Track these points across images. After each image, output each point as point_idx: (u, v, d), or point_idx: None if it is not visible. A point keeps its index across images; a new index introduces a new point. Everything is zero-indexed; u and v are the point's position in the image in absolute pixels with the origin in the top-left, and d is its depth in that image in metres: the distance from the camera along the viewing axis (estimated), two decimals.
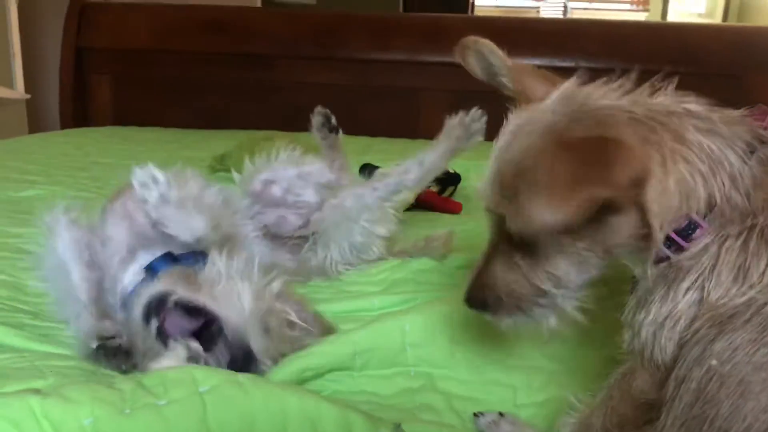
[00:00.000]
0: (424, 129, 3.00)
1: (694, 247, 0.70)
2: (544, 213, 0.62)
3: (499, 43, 3.26)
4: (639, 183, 0.65)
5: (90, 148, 2.49)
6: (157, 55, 3.00)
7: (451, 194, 2.00)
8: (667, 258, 0.71)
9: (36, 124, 4.19)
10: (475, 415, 0.95)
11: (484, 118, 1.50)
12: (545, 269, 0.76)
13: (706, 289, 0.69)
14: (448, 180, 1.96)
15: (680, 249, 0.71)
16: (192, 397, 0.70)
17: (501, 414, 0.94)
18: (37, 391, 0.73)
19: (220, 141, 2.60)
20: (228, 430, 0.69)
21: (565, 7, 6.42)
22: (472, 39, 0.89)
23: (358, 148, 2.60)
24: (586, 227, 0.69)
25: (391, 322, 1.05)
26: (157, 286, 0.99)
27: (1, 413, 0.69)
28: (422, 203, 1.87)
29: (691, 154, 0.69)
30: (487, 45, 0.91)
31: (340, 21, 3.01)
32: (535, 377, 1.03)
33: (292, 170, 1.54)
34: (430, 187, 1.88)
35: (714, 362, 0.66)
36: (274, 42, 2.96)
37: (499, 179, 0.73)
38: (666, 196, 0.68)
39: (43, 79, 4.56)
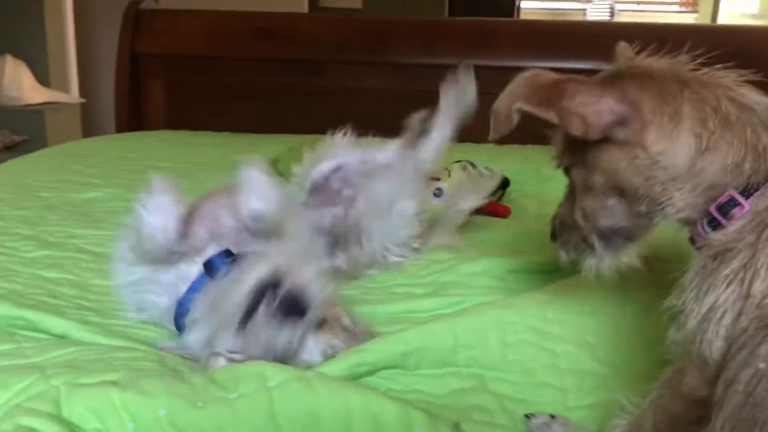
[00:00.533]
0: (471, 132, 3.02)
1: (731, 227, 0.71)
2: (495, 108, 0.79)
3: (546, 47, 3.29)
4: (619, 122, 0.73)
5: (145, 152, 2.56)
6: (209, 60, 3.07)
7: (500, 198, 2.01)
8: (705, 235, 0.73)
9: (89, 128, 4.32)
10: (526, 416, 0.96)
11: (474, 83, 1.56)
12: (578, 203, 0.85)
13: (746, 282, 0.68)
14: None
15: (718, 226, 0.72)
16: (261, 392, 0.74)
17: (552, 416, 0.95)
18: (115, 383, 0.78)
19: (270, 145, 2.64)
20: (294, 424, 0.72)
21: (612, 8, 6.35)
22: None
23: None
24: (592, 158, 0.79)
25: (442, 324, 1.07)
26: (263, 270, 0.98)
27: (85, 403, 0.74)
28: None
29: (717, 114, 0.72)
30: (620, 46, 1.00)
31: (388, 26, 3.04)
32: (585, 380, 1.04)
33: (355, 155, 1.53)
34: None
35: (762, 365, 0.66)
36: (322, 47, 3.01)
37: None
38: (672, 147, 0.73)
39: (95, 83, 4.69)
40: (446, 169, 1.95)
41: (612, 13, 6.31)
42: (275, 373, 0.76)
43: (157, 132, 3.01)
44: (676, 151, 0.73)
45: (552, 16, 5.98)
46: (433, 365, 1.04)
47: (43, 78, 3.91)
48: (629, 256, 0.87)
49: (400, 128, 2.95)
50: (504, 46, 2.94)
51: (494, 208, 1.94)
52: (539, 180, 2.11)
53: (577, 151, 0.81)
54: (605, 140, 0.76)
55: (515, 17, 4.97)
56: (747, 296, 0.68)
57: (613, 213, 0.82)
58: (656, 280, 1.12)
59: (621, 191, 0.79)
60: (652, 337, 1.06)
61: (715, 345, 0.70)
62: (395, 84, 3.00)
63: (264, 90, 3.07)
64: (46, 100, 3.86)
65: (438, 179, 1.91)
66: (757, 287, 0.68)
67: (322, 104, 3.04)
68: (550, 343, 1.08)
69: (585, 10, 6.16)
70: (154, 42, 3.10)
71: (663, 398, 0.77)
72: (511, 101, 0.76)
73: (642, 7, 6.76)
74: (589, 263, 0.89)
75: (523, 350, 1.06)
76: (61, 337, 1.12)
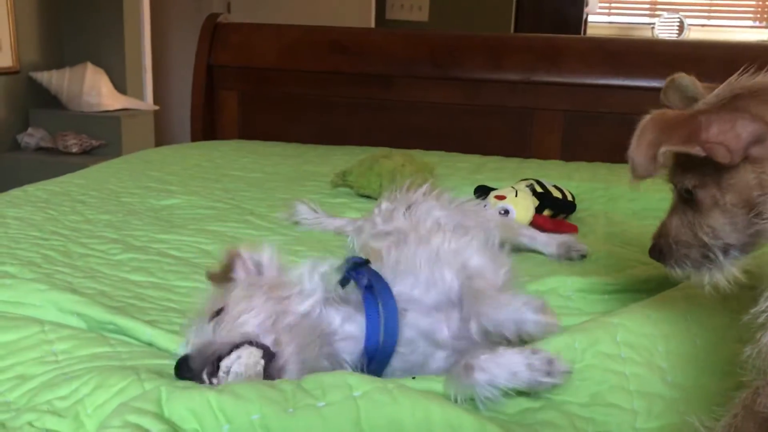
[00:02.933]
0: (536, 149, 3.04)
1: None
2: (635, 158, 0.79)
3: (614, 64, 3.27)
4: (755, 140, 0.77)
5: (219, 161, 2.65)
6: (282, 73, 3.16)
7: (564, 218, 2.01)
8: None
9: (161, 134, 4.47)
10: None
11: None
12: (705, 221, 0.88)
13: None
14: (563, 207, 1.97)
15: None
16: (347, 401, 0.78)
17: None
18: (213, 387, 0.83)
19: (340, 157, 2.72)
20: None
21: (681, 23, 6.23)
22: (674, 76, 1.00)
23: (471, 167, 2.66)
24: (727, 178, 0.82)
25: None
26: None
27: (184, 404, 0.79)
28: (536, 228, 1.88)
29: None
30: (684, 77, 1.02)
31: (455, 41, 3.07)
32: (655, 403, 1.04)
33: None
34: (543, 211, 1.91)
35: None
36: (391, 62, 3.07)
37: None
38: None
39: (168, 91, 4.85)
40: (513, 187, 1.96)
41: (681, 28, 6.19)
42: (359, 383, 0.80)
43: (230, 141, 3.11)
44: None
45: (620, 30, 5.91)
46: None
47: (120, 85, 4.08)
48: (739, 269, 0.91)
49: (466, 141, 2.99)
50: (571, 63, 2.95)
51: (560, 226, 1.95)
52: (608, 199, 2.11)
53: (705, 172, 0.84)
54: (743, 161, 0.80)
55: (583, 32, 4.94)
56: None
57: (739, 228, 0.86)
58: (729, 306, 1.13)
59: (752, 207, 0.82)
60: (723, 363, 1.07)
61: None
62: (461, 98, 3.04)
63: (334, 102, 3.14)
64: (123, 106, 4.02)
65: (504, 197, 1.92)
66: None
67: (390, 117, 3.10)
68: (619, 366, 1.08)
69: (653, 24, 6.07)
70: (229, 54, 3.21)
71: (736, 418, 0.77)
72: (652, 145, 0.78)
73: (712, 21, 6.62)
74: (710, 277, 0.93)
75: (590, 374, 1.07)
76: (149, 344, 1.17)
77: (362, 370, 1.01)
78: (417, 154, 2.52)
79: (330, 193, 2.21)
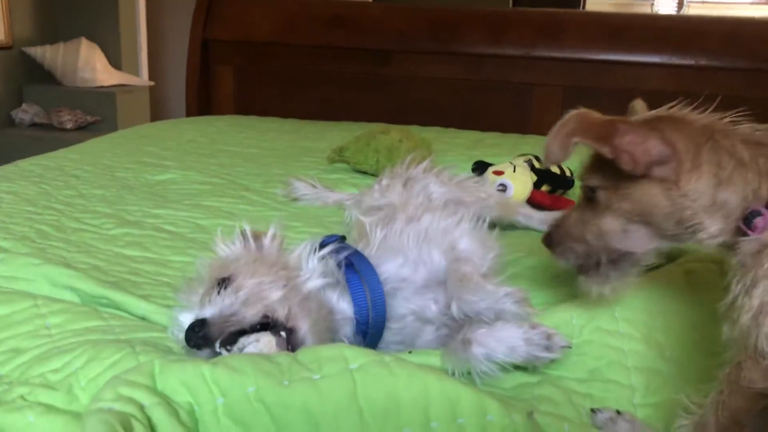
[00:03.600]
0: (536, 124, 3.01)
1: (759, 233, 0.78)
2: (549, 143, 0.85)
3: (616, 40, 3.23)
4: (660, 161, 0.83)
5: (215, 136, 2.63)
6: (278, 47, 3.12)
7: (562, 194, 2.00)
8: (736, 244, 0.81)
9: (156, 110, 4.43)
10: (592, 410, 0.96)
11: None
12: (596, 221, 0.92)
13: None
14: (561, 182, 1.95)
15: (745, 235, 0.80)
16: (343, 374, 0.77)
17: (618, 412, 0.95)
18: (207, 360, 0.82)
19: (337, 132, 2.69)
20: (375, 406, 0.75)
21: None
22: (633, 102, 1.06)
23: (469, 142, 2.63)
24: (625, 187, 0.87)
25: None
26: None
27: (178, 377, 0.78)
28: (533, 204, 1.87)
29: (724, 160, 0.83)
30: (638, 103, 1.07)
31: (455, 16, 3.04)
32: (653, 379, 1.04)
33: None
34: (541, 187, 1.89)
35: None
36: (390, 36, 3.03)
37: None
38: (698, 182, 0.83)
39: (164, 67, 4.81)
40: (511, 163, 1.94)
41: (681, 3, 6.13)
42: (356, 356, 0.79)
43: (226, 117, 3.08)
44: (699, 188, 0.83)
45: (618, 6, 5.85)
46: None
47: (114, 61, 4.03)
48: (629, 282, 0.96)
49: (465, 117, 2.96)
50: (571, 38, 2.92)
51: (558, 202, 1.93)
52: None
53: (609, 176, 0.89)
54: (643, 175, 0.85)
55: (582, 8, 4.89)
56: None
57: (629, 238, 0.91)
58: (725, 282, 1.12)
59: (647, 219, 0.88)
60: (720, 337, 1.06)
61: None
62: (461, 73, 3.01)
63: (332, 78, 3.11)
64: (118, 82, 3.98)
65: (502, 173, 1.90)
66: None
67: (389, 92, 3.07)
68: (617, 341, 1.07)
69: (653, 1, 6.01)
70: (225, 28, 3.16)
71: (722, 394, 0.79)
72: (569, 135, 0.84)
73: None
74: (590, 282, 0.98)
75: (588, 349, 1.06)
76: (142, 318, 1.16)
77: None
78: (415, 129, 2.50)
79: (327, 169, 2.19)
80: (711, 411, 0.80)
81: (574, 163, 2.09)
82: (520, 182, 1.84)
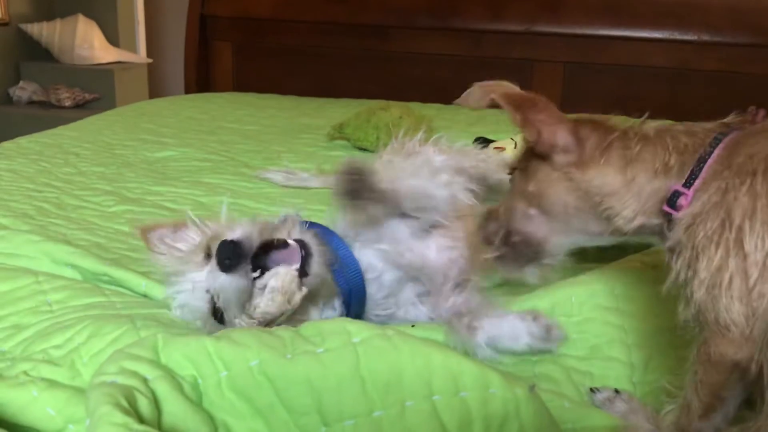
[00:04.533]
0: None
1: (691, 206, 0.78)
2: (471, 90, 0.93)
3: (617, 15, 3.20)
4: (563, 149, 0.86)
5: (214, 113, 2.62)
6: (277, 23, 3.10)
7: None
8: (667, 226, 0.82)
9: (155, 87, 4.40)
10: (591, 390, 0.97)
11: None
12: (509, 203, 0.95)
13: (734, 241, 0.74)
14: None
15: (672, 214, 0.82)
16: (346, 347, 0.77)
17: (617, 391, 0.96)
18: (210, 335, 0.82)
19: (336, 109, 2.68)
20: (378, 379, 0.75)
21: None
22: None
23: (470, 119, 2.62)
24: (532, 168, 0.90)
25: (514, 305, 1.07)
26: None
27: (181, 351, 0.78)
28: None
29: (631, 144, 0.85)
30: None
31: None
32: (654, 358, 1.04)
33: None
34: None
35: None
36: (389, 12, 3.01)
37: None
38: (605, 167, 0.85)
39: (162, 44, 4.77)
40: (512, 138, 1.93)
41: None
42: (359, 330, 0.79)
43: (225, 94, 3.07)
44: (605, 172, 0.85)
45: None
46: None
47: (112, 38, 3.99)
48: (549, 270, 0.97)
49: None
50: (572, 14, 2.89)
51: None
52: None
53: (524, 159, 0.92)
54: (547, 158, 0.88)
55: None
56: (744, 256, 0.73)
57: (531, 222, 0.92)
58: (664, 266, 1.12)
59: (547, 207, 0.90)
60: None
61: (734, 308, 0.74)
62: (461, 49, 2.99)
63: (331, 54, 3.09)
64: (115, 59, 3.94)
65: (503, 149, 1.89)
66: (750, 244, 0.73)
67: (388, 69, 3.05)
68: (617, 319, 1.07)
69: None
70: (223, 4, 3.14)
71: (698, 373, 0.80)
72: (492, 91, 0.89)
73: None
74: (504, 265, 0.98)
75: (587, 327, 1.06)
76: (144, 295, 1.16)
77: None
78: (415, 106, 2.49)
79: (326, 146, 2.19)
80: (691, 392, 0.81)
81: None
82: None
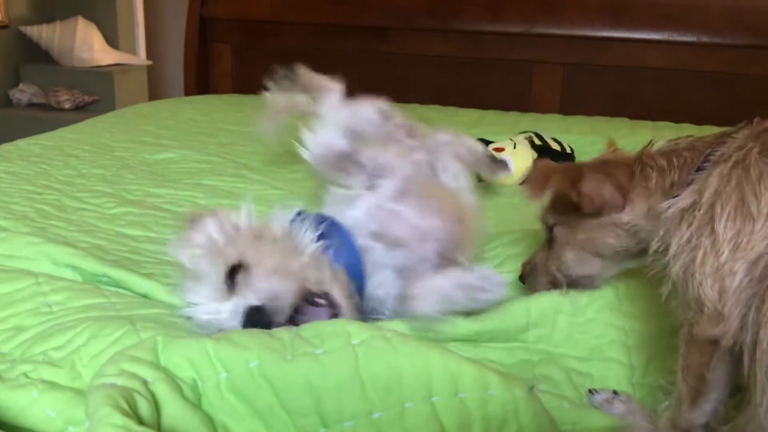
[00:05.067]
0: (536, 102, 3.00)
1: (681, 202, 0.84)
2: (529, 185, 0.99)
3: (616, 16, 3.20)
4: (611, 204, 0.96)
5: (214, 115, 2.62)
6: (277, 25, 3.10)
7: None
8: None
9: (155, 89, 4.40)
10: (590, 391, 0.97)
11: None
12: (556, 255, 1.05)
13: (704, 221, 0.80)
14: (561, 159, 1.95)
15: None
16: (346, 349, 0.77)
17: (615, 392, 0.96)
18: (209, 336, 0.82)
19: None
20: (378, 380, 0.75)
21: None
22: None
23: (469, 120, 2.63)
24: (577, 222, 1.00)
25: (519, 304, 1.07)
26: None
27: (181, 353, 0.78)
28: None
29: (649, 173, 0.93)
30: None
31: None
32: (654, 360, 1.04)
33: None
34: None
35: None
36: (388, 14, 3.01)
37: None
38: (637, 204, 0.94)
39: (161, 46, 4.77)
40: (511, 140, 1.93)
41: None
42: (358, 331, 0.79)
43: (225, 96, 3.07)
44: (638, 209, 0.94)
45: None
46: (504, 340, 1.05)
47: (111, 40, 4.00)
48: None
49: (464, 95, 2.95)
50: (571, 15, 2.90)
51: None
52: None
53: (563, 214, 1.02)
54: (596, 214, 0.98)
55: None
56: (714, 234, 0.79)
57: (585, 264, 1.03)
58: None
59: (598, 249, 1.00)
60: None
61: (706, 284, 0.79)
62: (460, 51, 2.99)
63: (330, 56, 3.09)
64: (115, 61, 3.94)
65: (502, 149, 1.90)
66: (720, 224, 0.79)
67: (388, 71, 3.05)
68: (619, 320, 1.08)
69: None
70: (222, 6, 3.14)
71: (683, 356, 0.84)
72: (545, 181, 0.98)
73: None
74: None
75: (590, 328, 1.06)
76: (144, 296, 1.16)
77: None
78: (414, 108, 2.49)
79: None
80: (680, 379, 0.84)
81: (571, 139, 2.10)
82: (520, 158, 1.84)
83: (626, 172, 0.96)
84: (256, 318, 0.92)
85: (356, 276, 1.07)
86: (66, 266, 1.22)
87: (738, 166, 0.81)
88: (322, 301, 0.97)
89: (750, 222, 0.77)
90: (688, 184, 0.86)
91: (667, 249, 0.85)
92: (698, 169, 0.86)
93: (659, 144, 0.98)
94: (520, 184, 0.97)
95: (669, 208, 0.86)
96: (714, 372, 0.81)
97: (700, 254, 0.79)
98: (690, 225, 0.82)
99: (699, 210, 0.81)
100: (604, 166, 0.99)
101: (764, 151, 0.81)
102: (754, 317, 0.75)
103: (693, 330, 0.81)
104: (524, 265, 1.13)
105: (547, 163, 1.04)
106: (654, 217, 0.91)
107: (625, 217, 0.95)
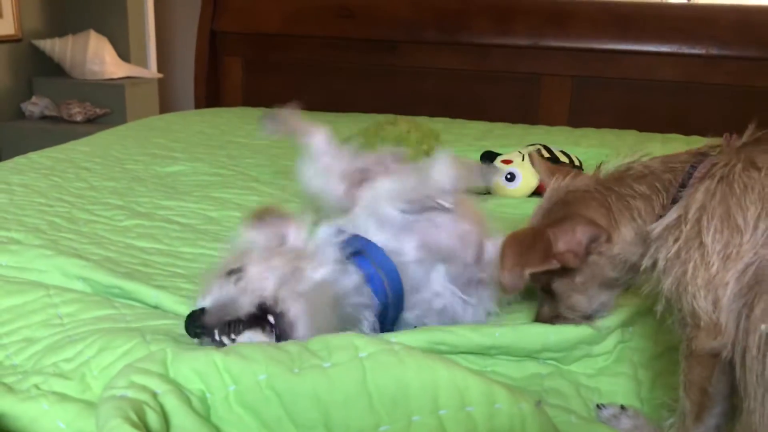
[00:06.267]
0: (544, 115, 3.01)
1: (667, 219, 0.85)
2: (504, 281, 0.94)
3: (624, 29, 3.21)
4: (593, 241, 0.94)
5: (224, 128, 2.63)
6: (286, 39, 3.13)
7: None
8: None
9: (165, 102, 4.44)
10: (597, 406, 0.97)
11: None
12: (565, 304, 1.04)
13: (690, 234, 0.81)
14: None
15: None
16: (353, 362, 0.77)
17: (623, 407, 0.96)
18: (219, 349, 0.83)
19: (345, 124, 2.69)
20: (385, 393, 0.75)
21: None
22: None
23: (477, 133, 2.63)
24: (574, 270, 0.98)
25: (537, 329, 1.06)
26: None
27: (190, 365, 0.79)
28: (543, 192, 1.86)
29: (631, 202, 0.93)
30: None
31: (462, 5, 3.03)
32: (662, 376, 1.04)
33: None
34: None
35: (763, 326, 0.74)
36: (397, 27, 3.03)
37: None
38: (624, 231, 0.93)
39: (172, 59, 4.81)
40: (520, 152, 1.94)
41: None
42: (365, 345, 0.80)
43: (235, 108, 3.09)
44: (625, 235, 0.94)
45: None
46: (515, 355, 1.06)
47: (123, 53, 4.04)
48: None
49: (473, 107, 2.96)
50: (579, 27, 2.91)
51: None
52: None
53: (553, 274, 0.99)
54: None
55: None
56: (704, 247, 0.80)
57: (594, 299, 1.04)
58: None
59: (599, 281, 1.00)
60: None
61: (699, 296, 0.79)
62: (468, 64, 3.01)
63: (339, 69, 3.11)
64: (126, 74, 3.98)
65: (510, 162, 1.90)
66: (708, 236, 0.80)
67: (396, 83, 3.07)
68: (627, 336, 1.08)
69: None
70: (233, 20, 3.17)
71: (684, 372, 0.84)
72: (517, 267, 0.93)
73: None
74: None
75: (602, 348, 1.07)
76: (155, 307, 1.17)
77: (377, 330, 1.05)
78: (423, 120, 2.50)
79: None
80: (683, 395, 0.85)
81: (579, 152, 2.10)
82: (528, 171, 1.85)
83: (597, 204, 0.95)
84: (195, 319, 0.94)
85: (396, 292, 1.07)
86: (77, 278, 1.23)
87: (723, 182, 0.82)
88: (271, 318, 0.95)
89: (738, 234, 0.78)
90: (674, 202, 0.87)
91: (655, 264, 0.86)
92: (681, 186, 0.87)
93: (609, 165, 0.99)
94: (501, 272, 0.94)
95: (655, 227, 0.87)
96: (716, 385, 0.82)
97: (690, 267, 0.80)
98: (677, 239, 0.82)
99: (686, 224, 0.82)
100: (566, 209, 0.97)
101: (747, 167, 0.82)
102: (744, 325, 0.76)
103: (692, 345, 0.81)
104: (537, 321, 1.11)
105: (508, 246, 0.95)
106: (643, 240, 0.91)
107: (616, 248, 0.95)
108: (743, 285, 0.77)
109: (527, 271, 0.93)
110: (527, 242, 0.95)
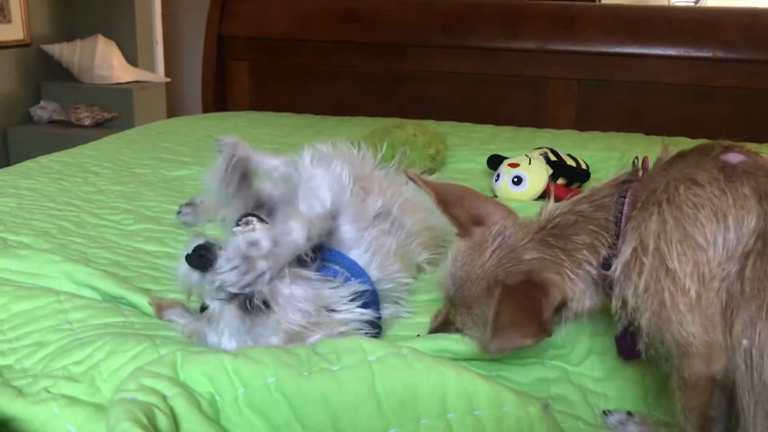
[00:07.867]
0: (551, 118, 3.00)
1: (622, 256, 0.84)
2: (492, 349, 0.88)
3: (631, 32, 3.20)
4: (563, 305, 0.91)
5: (231, 132, 2.62)
6: (293, 43, 3.13)
7: (579, 188, 1.99)
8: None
9: (173, 106, 4.46)
10: (604, 412, 0.96)
11: None
12: None
13: (653, 263, 0.80)
14: (576, 175, 1.95)
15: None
16: (362, 365, 0.78)
17: (629, 413, 0.96)
18: (228, 352, 0.83)
19: (352, 128, 2.70)
20: (393, 396, 0.76)
21: None
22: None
23: (484, 137, 2.64)
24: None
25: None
26: None
27: (199, 368, 0.80)
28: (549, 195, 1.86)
29: (578, 256, 0.90)
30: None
31: (469, 9, 3.03)
32: (669, 382, 1.03)
33: None
34: (557, 180, 1.89)
35: (745, 341, 0.73)
36: (404, 31, 3.03)
37: (463, 305, 0.99)
38: (582, 292, 0.91)
39: (180, 64, 4.83)
40: (526, 156, 1.94)
41: None
42: (374, 348, 0.80)
43: (242, 113, 3.10)
44: (582, 290, 0.91)
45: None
46: (519, 357, 1.05)
47: (131, 58, 4.06)
48: None
49: (480, 111, 2.96)
50: (586, 31, 2.90)
51: (573, 195, 1.92)
52: (623, 168, 2.09)
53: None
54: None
55: (598, 1, 4.86)
56: (673, 274, 0.78)
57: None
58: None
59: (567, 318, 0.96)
60: None
61: (687, 322, 0.77)
62: (475, 67, 3.00)
63: (347, 73, 3.12)
64: (134, 79, 4.00)
65: (517, 165, 1.90)
66: (674, 261, 0.78)
67: (403, 87, 3.07)
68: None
69: None
70: (240, 25, 3.18)
71: (681, 400, 0.81)
72: (511, 341, 0.88)
73: None
74: None
75: (608, 349, 1.07)
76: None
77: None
78: (430, 124, 2.50)
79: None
80: (683, 419, 0.82)
81: (586, 155, 2.10)
82: (535, 174, 1.85)
83: (553, 265, 0.91)
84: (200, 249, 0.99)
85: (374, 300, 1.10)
86: (85, 286, 1.23)
87: (671, 205, 0.80)
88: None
89: (702, 252, 0.78)
90: (618, 237, 0.86)
91: (626, 303, 0.84)
92: (616, 220, 0.87)
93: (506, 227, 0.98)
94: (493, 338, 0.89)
95: (614, 269, 0.85)
96: (717, 408, 0.79)
97: (666, 296, 0.78)
98: (641, 273, 0.81)
99: (646, 256, 0.80)
100: (526, 273, 0.93)
101: (690, 185, 0.81)
102: (728, 343, 0.75)
103: (684, 374, 0.79)
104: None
105: (504, 311, 0.90)
106: (594, 284, 0.90)
107: (574, 304, 0.92)
108: (723, 303, 0.76)
109: (530, 342, 0.89)
110: (515, 306, 0.90)
